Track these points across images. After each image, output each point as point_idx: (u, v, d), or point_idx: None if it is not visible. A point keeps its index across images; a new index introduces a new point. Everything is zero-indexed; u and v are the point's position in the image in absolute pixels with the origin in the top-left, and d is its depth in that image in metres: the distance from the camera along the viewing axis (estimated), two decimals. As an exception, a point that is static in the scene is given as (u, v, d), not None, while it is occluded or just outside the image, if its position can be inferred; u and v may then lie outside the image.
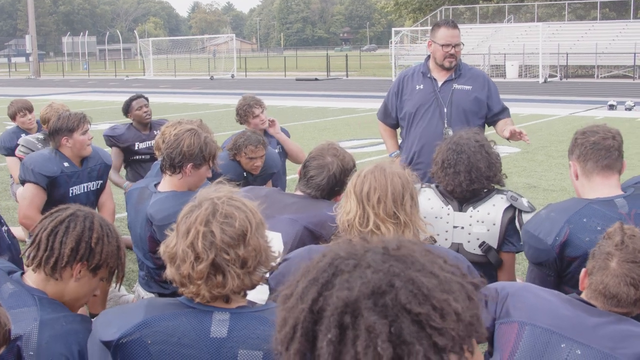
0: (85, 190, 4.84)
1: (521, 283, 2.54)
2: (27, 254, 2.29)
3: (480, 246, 3.50)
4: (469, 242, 3.52)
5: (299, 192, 3.20)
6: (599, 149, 2.91)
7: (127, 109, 6.46)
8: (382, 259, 1.12)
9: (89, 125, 4.76)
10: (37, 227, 2.32)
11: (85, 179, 4.83)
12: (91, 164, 4.88)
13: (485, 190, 3.55)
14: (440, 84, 4.95)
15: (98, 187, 4.98)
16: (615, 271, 2.13)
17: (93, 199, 4.95)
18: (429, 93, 4.94)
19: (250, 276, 1.97)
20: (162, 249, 2.02)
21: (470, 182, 3.47)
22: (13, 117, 6.90)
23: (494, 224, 3.48)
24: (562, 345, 2.08)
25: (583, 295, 2.24)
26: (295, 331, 1.12)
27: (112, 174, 6.27)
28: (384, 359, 1.03)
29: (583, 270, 2.27)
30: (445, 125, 4.87)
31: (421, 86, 4.99)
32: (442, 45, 4.86)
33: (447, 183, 3.54)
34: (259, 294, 2.76)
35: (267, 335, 1.94)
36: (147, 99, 6.58)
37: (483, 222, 3.50)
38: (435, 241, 3.46)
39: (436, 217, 3.54)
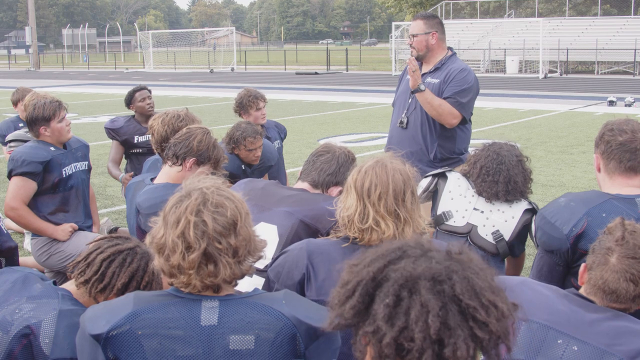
0: (76, 169, 4.90)
1: (519, 277, 2.52)
2: (76, 266, 2.39)
3: (493, 233, 3.59)
4: (484, 226, 3.61)
5: (297, 185, 3.18)
6: (625, 151, 2.84)
7: (129, 101, 6.33)
8: (444, 257, 1.33)
9: (65, 112, 4.77)
10: (92, 245, 2.41)
11: (73, 159, 4.89)
12: (74, 146, 4.95)
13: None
14: None
15: (86, 167, 5.06)
16: (615, 267, 2.11)
17: (85, 177, 5.03)
18: (408, 84, 5.02)
19: (240, 265, 1.99)
20: (148, 240, 2.02)
21: (506, 193, 3.59)
22: (15, 104, 6.95)
23: (513, 217, 3.60)
24: (559, 341, 2.06)
25: (582, 290, 2.23)
26: (356, 290, 1.32)
27: (110, 166, 6.25)
28: (432, 330, 1.21)
29: (582, 265, 2.25)
30: (403, 115, 5.00)
31: (408, 77, 5.06)
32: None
33: (482, 190, 3.63)
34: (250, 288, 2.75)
35: (257, 319, 1.96)
36: (150, 90, 6.43)
37: (504, 212, 3.61)
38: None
39: (460, 195, 3.68)
